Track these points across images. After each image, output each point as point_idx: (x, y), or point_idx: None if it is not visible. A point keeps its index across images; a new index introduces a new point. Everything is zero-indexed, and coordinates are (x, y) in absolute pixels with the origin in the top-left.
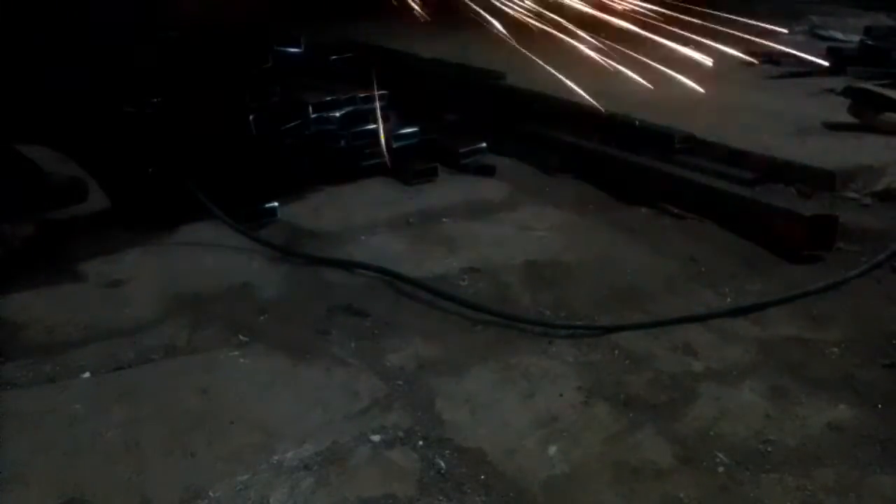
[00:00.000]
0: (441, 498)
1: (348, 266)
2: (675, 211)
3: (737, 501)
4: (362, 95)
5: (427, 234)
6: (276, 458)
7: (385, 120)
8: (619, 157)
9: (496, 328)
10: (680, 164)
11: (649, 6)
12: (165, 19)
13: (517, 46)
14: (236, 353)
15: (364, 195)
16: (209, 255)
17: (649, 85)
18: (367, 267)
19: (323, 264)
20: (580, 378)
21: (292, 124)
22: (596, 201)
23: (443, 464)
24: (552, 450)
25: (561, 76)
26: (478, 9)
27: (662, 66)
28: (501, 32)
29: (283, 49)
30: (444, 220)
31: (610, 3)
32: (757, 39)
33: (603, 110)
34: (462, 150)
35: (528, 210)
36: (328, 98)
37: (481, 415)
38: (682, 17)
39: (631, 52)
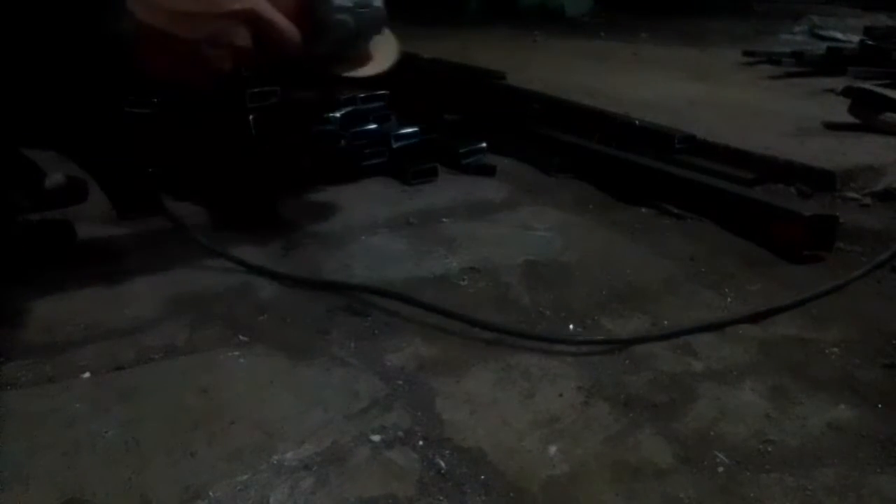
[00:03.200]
0: (441, 498)
1: (344, 289)
2: (675, 211)
3: (737, 501)
4: (362, 95)
5: (427, 234)
6: (276, 458)
7: (385, 120)
8: (619, 157)
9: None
10: (680, 164)
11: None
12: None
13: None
14: (236, 353)
15: (364, 195)
16: (209, 254)
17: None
18: (366, 289)
19: (317, 288)
20: (580, 378)
21: (292, 124)
22: (596, 201)
23: (443, 464)
24: (552, 450)
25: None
26: None
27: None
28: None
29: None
30: (443, 220)
31: None
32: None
33: (603, 110)
34: (462, 150)
35: (528, 210)
36: (328, 98)
37: (481, 415)
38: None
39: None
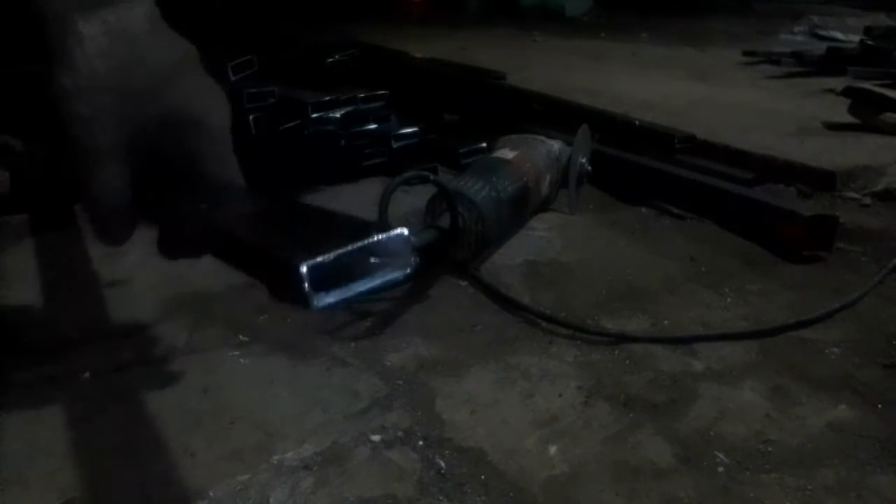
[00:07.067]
0: (441, 498)
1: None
2: (675, 211)
3: (737, 501)
4: (362, 95)
5: None
6: (276, 458)
7: (385, 120)
8: (619, 157)
9: (496, 328)
10: (680, 164)
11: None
12: None
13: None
14: (236, 353)
15: (364, 195)
16: (209, 254)
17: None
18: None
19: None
20: (580, 378)
21: (291, 124)
22: (596, 201)
23: (443, 464)
24: (552, 450)
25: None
26: None
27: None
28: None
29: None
30: None
31: None
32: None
33: (603, 110)
34: (462, 150)
35: None
36: (328, 98)
37: (481, 415)
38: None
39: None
